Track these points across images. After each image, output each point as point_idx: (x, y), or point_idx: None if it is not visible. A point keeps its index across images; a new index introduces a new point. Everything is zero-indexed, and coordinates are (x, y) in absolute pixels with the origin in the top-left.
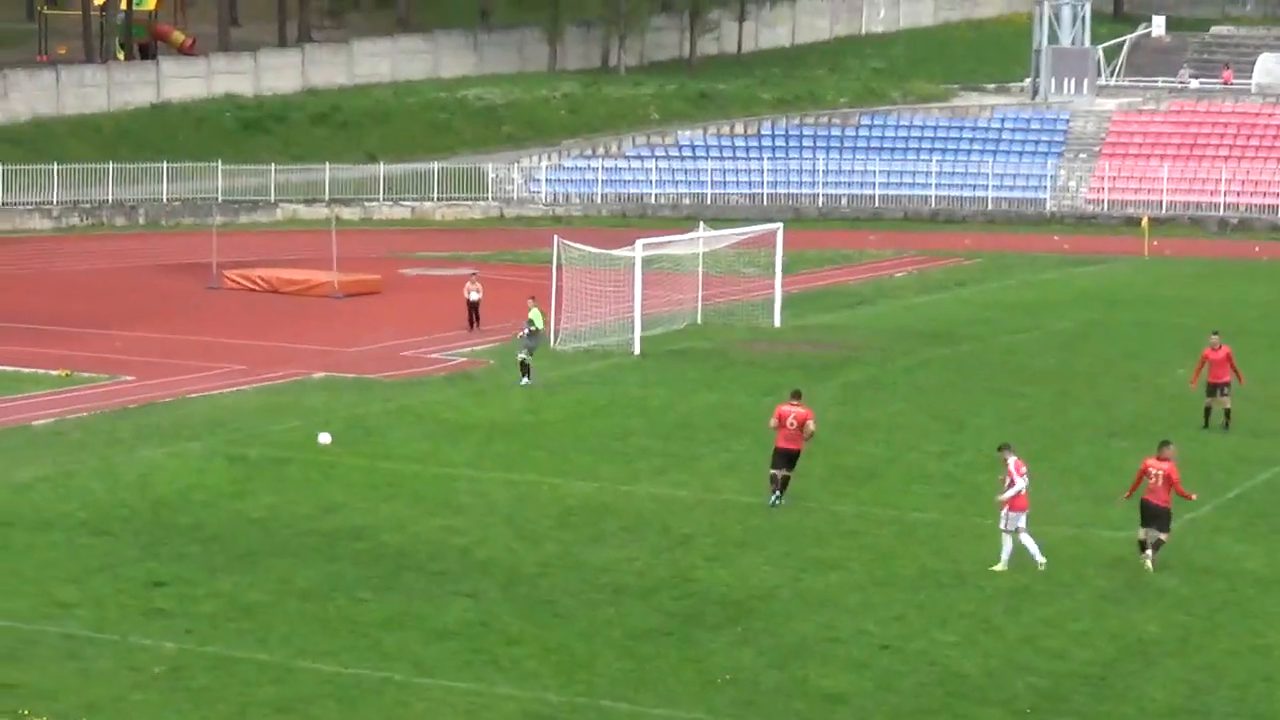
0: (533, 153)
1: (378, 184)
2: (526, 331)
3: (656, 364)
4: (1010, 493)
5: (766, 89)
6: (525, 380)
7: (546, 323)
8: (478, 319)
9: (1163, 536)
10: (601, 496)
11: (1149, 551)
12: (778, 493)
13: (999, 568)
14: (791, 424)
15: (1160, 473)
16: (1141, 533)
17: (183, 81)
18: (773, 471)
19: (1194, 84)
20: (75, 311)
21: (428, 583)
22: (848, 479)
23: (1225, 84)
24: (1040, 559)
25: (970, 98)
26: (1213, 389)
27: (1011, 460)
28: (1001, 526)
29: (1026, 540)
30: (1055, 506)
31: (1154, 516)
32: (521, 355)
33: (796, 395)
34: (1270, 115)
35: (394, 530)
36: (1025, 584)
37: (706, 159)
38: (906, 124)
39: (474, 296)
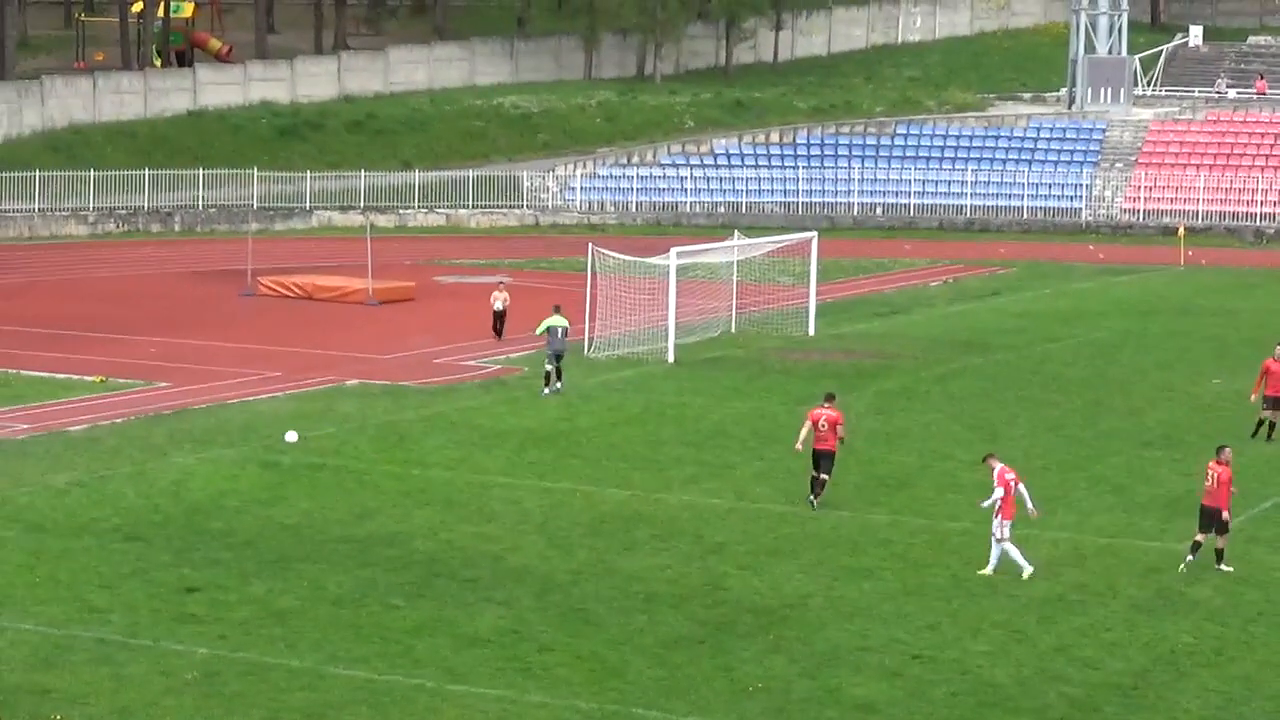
0: (568, 161)
1: (413, 191)
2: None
3: (690, 372)
4: (990, 501)
5: (802, 98)
6: (545, 390)
7: (578, 331)
8: (501, 330)
9: (1219, 544)
10: (634, 504)
11: (1218, 562)
12: (811, 497)
13: (1026, 576)
14: (823, 426)
15: (1215, 475)
16: (1199, 536)
17: (219, 88)
18: (813, 473)
19: (1230, 94)
20: (111, 317)
21: (460, 590)
22: (881, 487)
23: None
24: (990, 569)
25: (1006, 107)
26: (1271, 401)
27: (997, 468)
28: (997, 535)
29: (996, 547)
30: (1088, 516)
31: (1211, 519)
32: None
33: (829, 398)
34: None
35: (427, 537)
36: (1058, 593)
37: (742, 167)
38: (942, 133)
39: (499, 306)
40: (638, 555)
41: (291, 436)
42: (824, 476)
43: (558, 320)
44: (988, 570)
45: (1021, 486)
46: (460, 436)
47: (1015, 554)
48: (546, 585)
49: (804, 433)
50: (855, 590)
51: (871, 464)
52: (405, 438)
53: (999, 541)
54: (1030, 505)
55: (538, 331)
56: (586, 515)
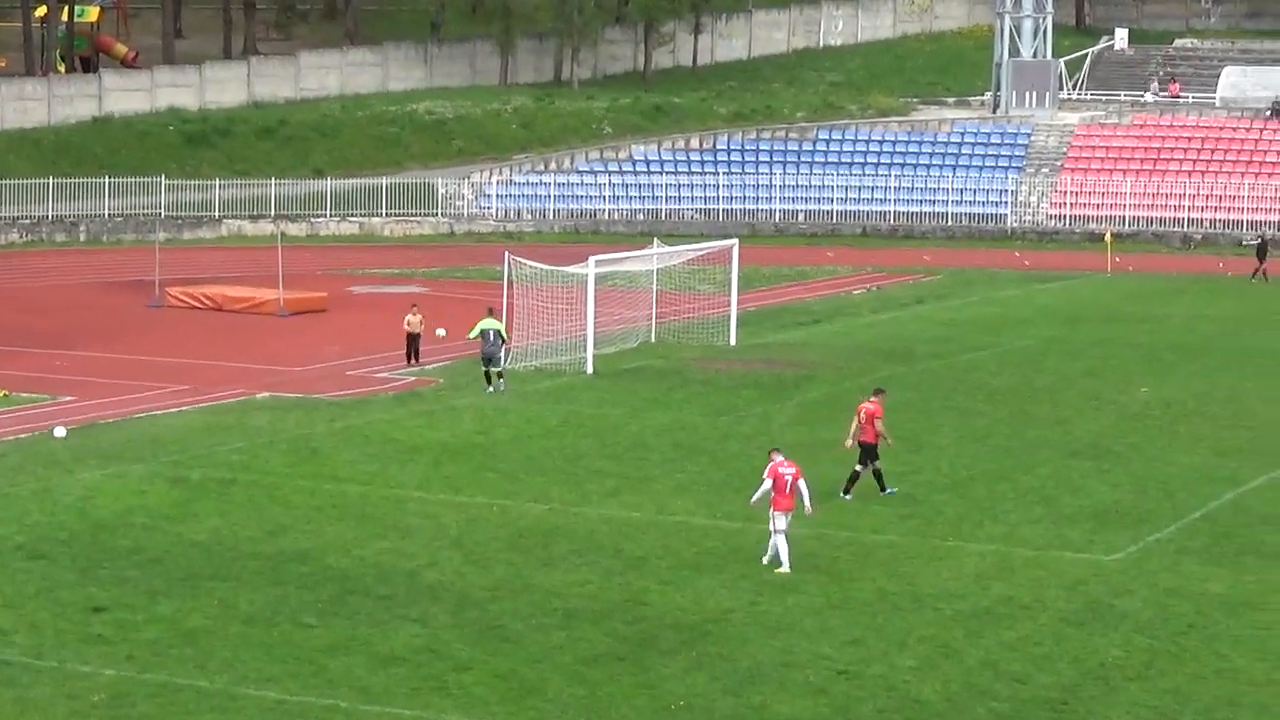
0: (484, 167)
1: (325, 199)
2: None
3: (609, 383)
4: (757, 495)
5: (722, 102)
6: (489, 388)
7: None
8: (418, 353)
9: None
10: (553, 518)
11: None
12: (844, 494)
13: (779, 571)
14: (861, 418)
15: None
16: None
17: (125, 95)
18: (856, 468)
19: (1148, 97)
20: (14, 329)
21: (374, 607)
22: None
23: (1173, 97)
24: (785, 567)
25: (930, 111)
26: None
27: (774, 461)
28: (775, 527)
29: (781, 542)
30: (1015, 528)
31: None
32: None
33: (876, 392)
34: (1234, 130)
35: (340, 553)
36: (986, 606)
37: (661, 174)
38: (865, 138)
39: (414, 329)
40: (556, 571)
41: (60, 432)
42: (875, 465)
43: (488, 323)
44: (784, 568)
45: (802, 483)
46: (374, 450)
47: (783, 549)
48: (463, 602)
49: (853, 428)
50: (779, 605)
51: None
52: (317, 451)
53: (777, 532)
54: (808, 504)
55: (471, 335)
56: (504, 530)
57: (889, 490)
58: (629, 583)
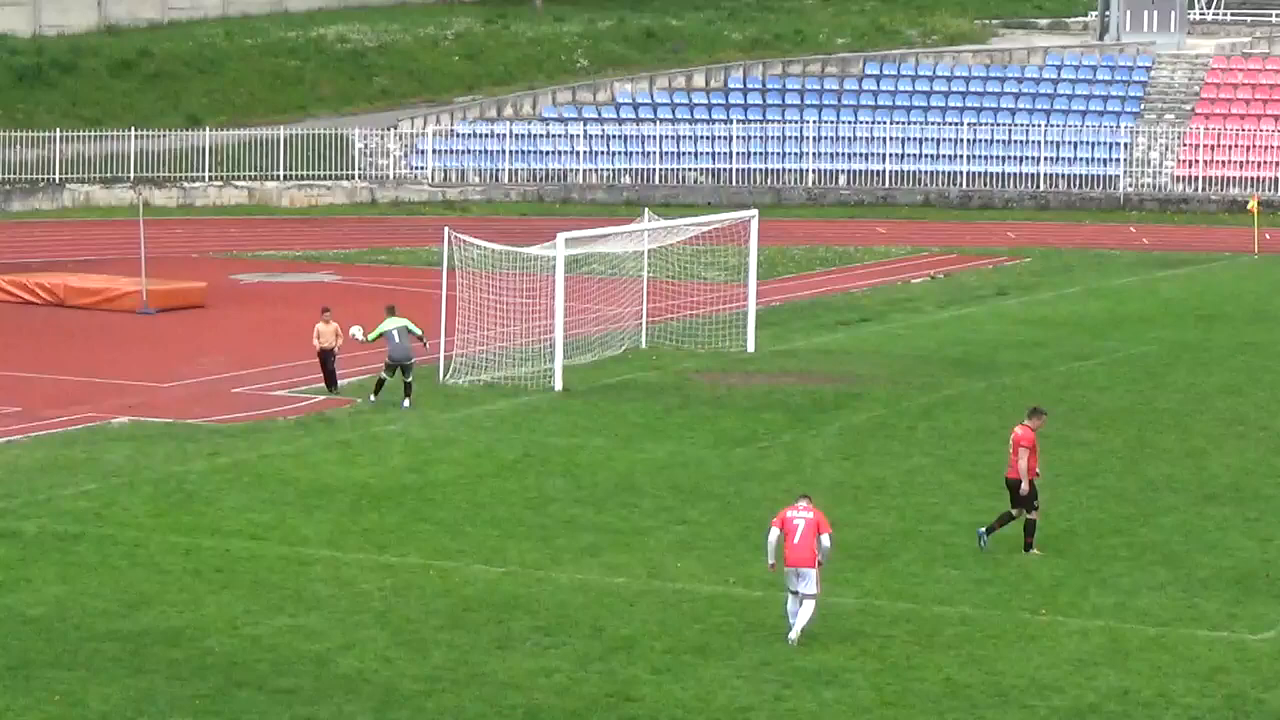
0: (416, 114)
1: (202, 157)
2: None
3: (586, 403)
4: (770, 554)
5: (736, 26)
6: (373, 398)
7: (433, 348)
8: (334, 374)
9: None
10: (510, 585)
11: None
12: (982, 532)
13: (790, 638)
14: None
15: None
16: None
17: None
18: (1011, 510)
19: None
20: None
21: (270, 704)
22: (848, 559)
23: None
24: (794, 635)
25: (1015, 38)
26: None
27: (799, 506)
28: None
29: (798, 608)
30: (1131, 597)
31: None
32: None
33: (1031, 413)
34: None
35: (224, 633)
36: (1091, 703)
37: (654, 122)
38: (928, 73)
39: (329, 343)
40: (514, 655)
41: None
42: (1013, 512)
43: (395, 321)
44: (793, 635)
45: (825, 538)
46: (270, 494)
47: (791, 611)
48: (390, 697)
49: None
50: (813, 700)
51: (835, 528)
52: (193, 496)
53: (799, 596)
54: (820, 558)
55: (370, 338)
56: (444, 601)
57: (1031, 550)
58: (612, 671)
